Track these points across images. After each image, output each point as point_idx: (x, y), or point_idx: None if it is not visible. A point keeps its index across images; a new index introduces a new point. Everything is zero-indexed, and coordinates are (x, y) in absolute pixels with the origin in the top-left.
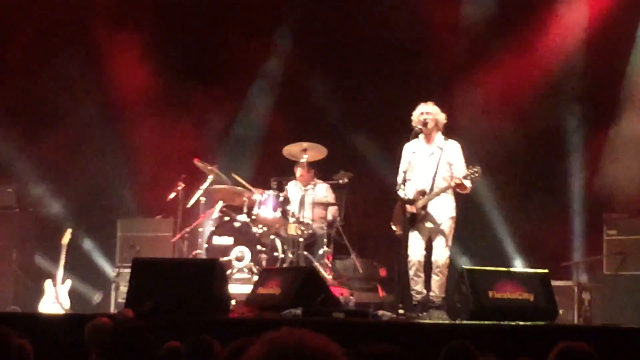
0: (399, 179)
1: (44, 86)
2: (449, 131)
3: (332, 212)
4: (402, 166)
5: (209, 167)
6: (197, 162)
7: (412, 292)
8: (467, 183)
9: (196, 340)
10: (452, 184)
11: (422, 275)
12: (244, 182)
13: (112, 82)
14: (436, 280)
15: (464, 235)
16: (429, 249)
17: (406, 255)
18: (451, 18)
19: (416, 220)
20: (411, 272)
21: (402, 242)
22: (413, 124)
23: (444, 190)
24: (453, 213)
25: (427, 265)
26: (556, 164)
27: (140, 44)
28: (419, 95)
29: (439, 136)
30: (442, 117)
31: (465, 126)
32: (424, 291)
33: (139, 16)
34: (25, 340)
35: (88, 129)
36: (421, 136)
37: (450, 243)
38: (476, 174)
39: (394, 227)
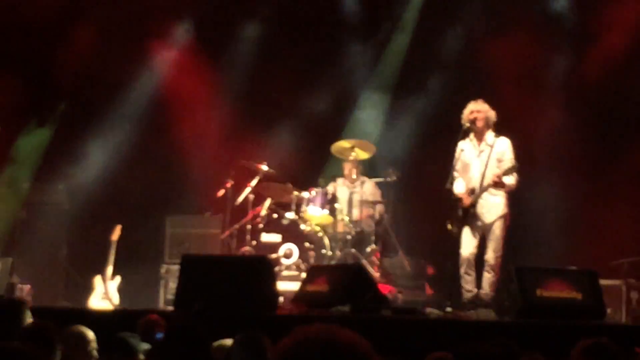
0: (451, 178)
1: (95, 84)
2: (503, 127)
3: (379, 209)
4: (454, 165)
5: (257, 165)
6: (245, 163)
7: (463, 290)
8: (508, 180)
9: (247, 335)
10: (491, 182)
11: (473, 273)
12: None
13: (162, 79)
14: (487, 278)
15: (514, 233)
16: (481, 246)
17: (455, 252)
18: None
19: (468, 218)
20: (462, 270)
21: (452, 239)
22: (463, 122)
23: (491, 187)
24: (505, 211)
25: (479, 264)
26: (605, 161)
27: (192, 43)
28: (471, 93)
29: (489, 134)
30: (492, 115)
31: (517, 123)
32: (475, 290)
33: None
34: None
35: (137, 126)
36: (472, 135)
37: (502, 241)
38: (514, 170)
39: (448, 226)
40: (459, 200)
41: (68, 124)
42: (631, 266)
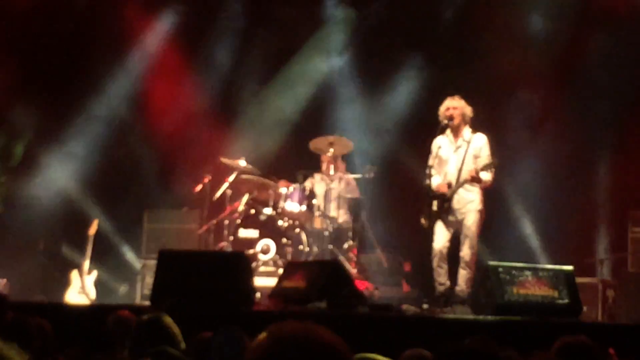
0: (427, 174)
1: (73, 77)
2: (480, 123)
3: (357, 205)
4: (430, 161)
5: (236, 162)
6: (224, 160)
7: (435, 283)
8: (485, 176)
9: (226, 331)
10: (469, 177)
11: (445, 265)
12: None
13: (141, 74)
14: (463, 274)
15: (490, 230)
16: (454, 241)
17: (431, 248)
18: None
19: (442, 213)
20: (434, 263)
21: (429, 236)
22: (440, 118)
23: (467, 183)
24: (479, 207)
25: (453, 258)
26: (582, 160)
27: (171, 37)
28: (448, 90)
29: (466, 130)
30: (468, 111)
31: (494, 119)
32: (447, 282)
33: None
34: (44, 320)
35: (116, 120)
36: (448, 131)
37: (477, 237)
38: (492, 167)
39: (422, 221)
40: (434, 195)
41: (46, 117)
42: (607, 264)
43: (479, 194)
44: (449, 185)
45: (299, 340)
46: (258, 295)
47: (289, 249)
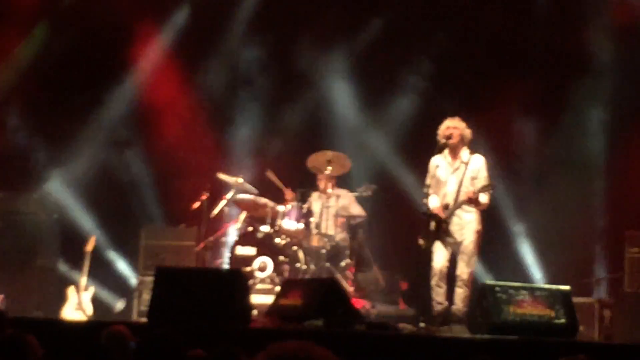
0: (424, 193)
1: (72, 95)
2: (477, 145)
3: (354, 223)
4: (427, 180)
5: (234, 178)
6: (221, 176)
7: (433, 302)
8: (483, 198)
9: (222, 350)
10: (466, 198)
11: (444, 285)
12: (277, 181)
13: (140, 89)
14: (460, 293)
15: (488, 250)
16: (453, 261)
17: (429, 267)
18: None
19: (440, 233)
20: (433, 281)
21: (426, 255)
22: (438, 137)
23: (464, 204)
24: (477, 227)
25: (451, 278)
26: (579, 181)
27: (170, 53)
28: (446, 110)
29: (464, 151)
30: (467, 133)
31: (493, 139)
32: (445, 302)
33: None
34: (30, 336)
35: (114, 136)
36: (446, 151)
37: (474, 257)
38: (490, 189)
39: (420, 242)
40: (431, 215)
41: (44, 133)
42: (604, 284)
43: (477, 214)
44: (447, 207)
45: (299, 358)
46: (255, 312)
47: (286, 267)
